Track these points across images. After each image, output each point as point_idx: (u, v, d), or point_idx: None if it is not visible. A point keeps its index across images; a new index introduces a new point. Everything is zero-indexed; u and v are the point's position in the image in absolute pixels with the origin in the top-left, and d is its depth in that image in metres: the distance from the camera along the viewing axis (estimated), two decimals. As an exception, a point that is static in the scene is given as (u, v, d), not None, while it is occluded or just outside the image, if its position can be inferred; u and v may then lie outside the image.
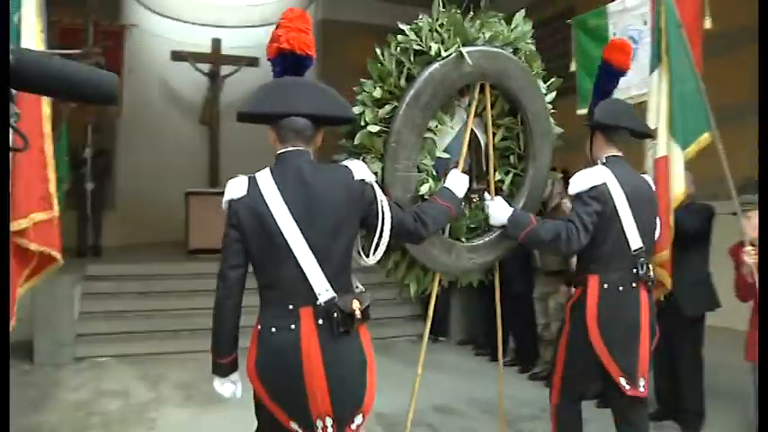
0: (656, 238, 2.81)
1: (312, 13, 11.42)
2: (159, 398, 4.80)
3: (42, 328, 5.67)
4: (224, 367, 2.08)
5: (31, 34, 2.68)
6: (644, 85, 3.73)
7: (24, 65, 1.09)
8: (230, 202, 1.99)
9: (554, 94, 2.92)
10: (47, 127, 2.73)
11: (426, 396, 4.12)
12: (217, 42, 11.02)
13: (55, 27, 7.52)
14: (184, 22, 11.42)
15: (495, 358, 5.33)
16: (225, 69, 10.87)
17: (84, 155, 7.77)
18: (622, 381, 2.53)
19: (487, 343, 5.90)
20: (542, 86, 2.86)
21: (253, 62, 10.63)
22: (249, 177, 2.02)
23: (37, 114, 2.63)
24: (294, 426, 1.97)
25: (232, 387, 2.11)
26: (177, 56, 10.72)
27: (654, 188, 2.82)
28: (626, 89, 3.94)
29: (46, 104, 2.70)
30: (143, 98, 10.73)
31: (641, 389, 2.55)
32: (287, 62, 2.09)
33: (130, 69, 8.73)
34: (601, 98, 2.86)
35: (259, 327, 2.01)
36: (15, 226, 2.55)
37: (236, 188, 1.99)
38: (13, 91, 1.12)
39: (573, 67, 4.95)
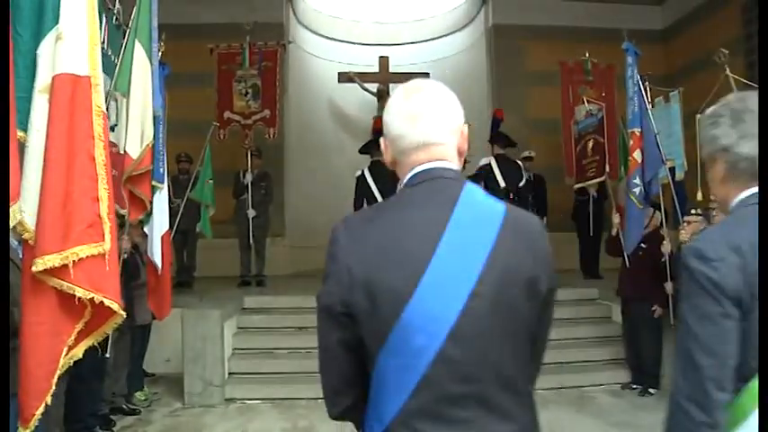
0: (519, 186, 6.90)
1: (482, 19, 10.56)
2: (303, 460, 4.04)
3: (192, 366, 5.23)
4: None
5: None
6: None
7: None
8: (357, 177, 7.07)
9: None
10: (98, 124, 1.91)
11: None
12: (384, 60, 10.51)
13: (212, 53, 7.41)
14: (351, 43, 11.11)
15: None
16: (394, 88, 10.26)
17: (244, 180, 7.39)
18: None
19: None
20: None
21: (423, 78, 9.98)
22: (362, 169, 7.06)
23: (81, 104, 1.90)
24: None
25: None
26: (344, 77, 10.36)
27: (522, 166, 7.22)
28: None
29: (96, 93, 1.95)
30: (311, 121, 10.53)
31: None
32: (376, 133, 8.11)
33: (286, 89, 8.40)
34: (494, 130, 7.66)
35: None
36: (42, 264, 1.83)
37: (358, 172, 7.10)
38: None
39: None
